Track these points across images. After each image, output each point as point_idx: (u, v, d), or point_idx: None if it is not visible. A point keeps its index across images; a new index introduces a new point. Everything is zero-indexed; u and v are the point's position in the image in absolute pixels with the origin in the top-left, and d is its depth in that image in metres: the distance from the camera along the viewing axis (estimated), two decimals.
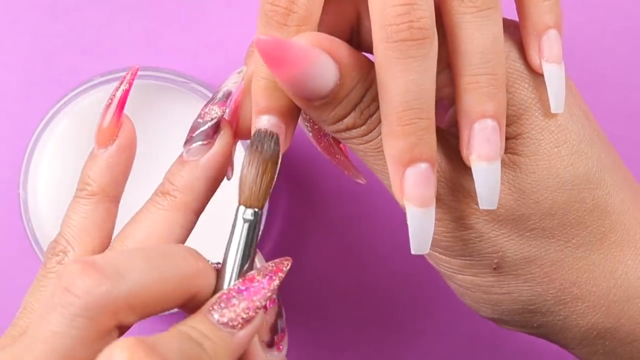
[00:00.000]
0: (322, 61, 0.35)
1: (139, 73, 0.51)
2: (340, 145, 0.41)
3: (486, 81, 0.36)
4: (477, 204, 0.37)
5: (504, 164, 0.38)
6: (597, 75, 0.57)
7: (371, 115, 0.37)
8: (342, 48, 0.36)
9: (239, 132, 0.39)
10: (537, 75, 0.38)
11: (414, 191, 0.36)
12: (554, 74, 0.38)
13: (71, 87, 0.51)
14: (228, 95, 0.39)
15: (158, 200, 0.39)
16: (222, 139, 0.39)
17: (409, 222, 0.36)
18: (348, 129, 0.37)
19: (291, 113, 0.37)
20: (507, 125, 0.38)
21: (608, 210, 0.39)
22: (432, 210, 0.36)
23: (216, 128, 0.39)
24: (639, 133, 0.57)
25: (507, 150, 0.38)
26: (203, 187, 0.39)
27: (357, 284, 0.57)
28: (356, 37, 0.38)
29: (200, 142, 0.39)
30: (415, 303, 0.57)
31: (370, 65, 0.37)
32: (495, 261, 0.39)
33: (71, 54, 0.56)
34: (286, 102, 0.37)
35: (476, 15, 0.36)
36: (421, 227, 0.36)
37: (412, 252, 0.37)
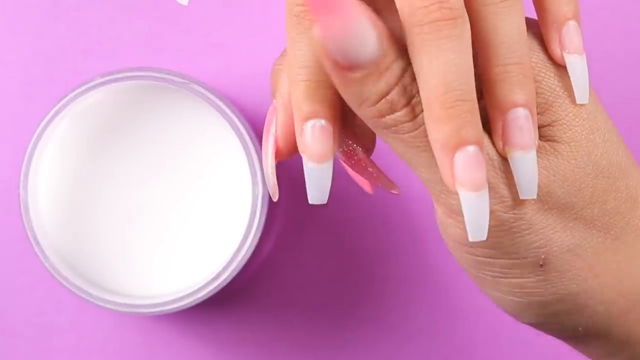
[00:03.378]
0: (365, 22, 0.34)
1: (139, 73, 0.51)
2: (370, 159, 0.41)
3: (515, 70, 0.36)
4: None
5: (545, 151, 0.38)
6: (595, 77, 0.57)
7: (414, 96, 0.36)
8: (379, 20, 0.35)
9: (280, 152, 0.38)
10: (560, 65, 0.38)
11: (466, 175, 0.35)
12: (577, 65, 0.38)
13: (72, 87, 0.51)
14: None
15: None
16: None
17: (464, 208, 0.35)
18: (393, 109, 0.36)
19: (338, 112, 0.36)
20: (540, 114, 0.38)
21: (639, 201, 0.39)
22: (486, 192, 0.35)
23: None
24: (637, 136, 0.57)
25: (546, 137, 0.38)
26: None
27: (356, 284, 0.57)
28: None
29: None
30: (414, 303, 0.57)
31: (404, 45, 0.36)
32: (542, 257, 0.38)
33: (72, 54, 0.56)
34: (331, 102, 0.36)
35: (499, 6, 0.36)
36: (478, 211, 0.35)
37: (470, 239, 0.36)
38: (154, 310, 0.51)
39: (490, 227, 0.37)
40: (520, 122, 0.36)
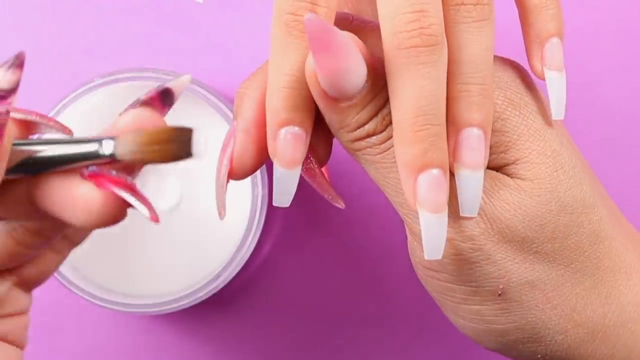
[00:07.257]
0: (357, 58, 0.35)
1: (139, 74, 0.51)
2: (322, 169, 0.41)
3: (476, 90, 0.36)
4: (485, 223, 0.38)
5: (509, 187, 0.38)
6: (595, 77, 0.57)
7: (390, 123, 0.37)
8: (369, 52, 0.36)
9: (233, 172, 0.38)
10: (525, 105, 0.39)
11: (427, 197, 0.36)
12: (555, 81, 0.39)
13: (72, 88, 0.51)
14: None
15: None
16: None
17: (422, 228, 0.36)
18: (369, 135, 0.37)
19: (312, 121, 0.37)
20: (505, 152, 0.38)
21: (602, 235, 0.39)
22: (444, 215, 0.36)
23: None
24: (637, 135, 0.57)
25: (511, 174, 0.38)
26: None
27: (355, 285, 0.57)
28: None
29: None
30: (414, 303, 0.57)
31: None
32: (501, 287, 0.39)
33: (72, 55, 0.56)
34: (306, 111, 0.36)
35: (471, 26, 0.36)
36: (435, 232, 0.36)
37: (426, 257, 0.37)
38: (154, 310, 0.51)
39: (449, 254, 0.38)
40: (473, 142, 0.37)
